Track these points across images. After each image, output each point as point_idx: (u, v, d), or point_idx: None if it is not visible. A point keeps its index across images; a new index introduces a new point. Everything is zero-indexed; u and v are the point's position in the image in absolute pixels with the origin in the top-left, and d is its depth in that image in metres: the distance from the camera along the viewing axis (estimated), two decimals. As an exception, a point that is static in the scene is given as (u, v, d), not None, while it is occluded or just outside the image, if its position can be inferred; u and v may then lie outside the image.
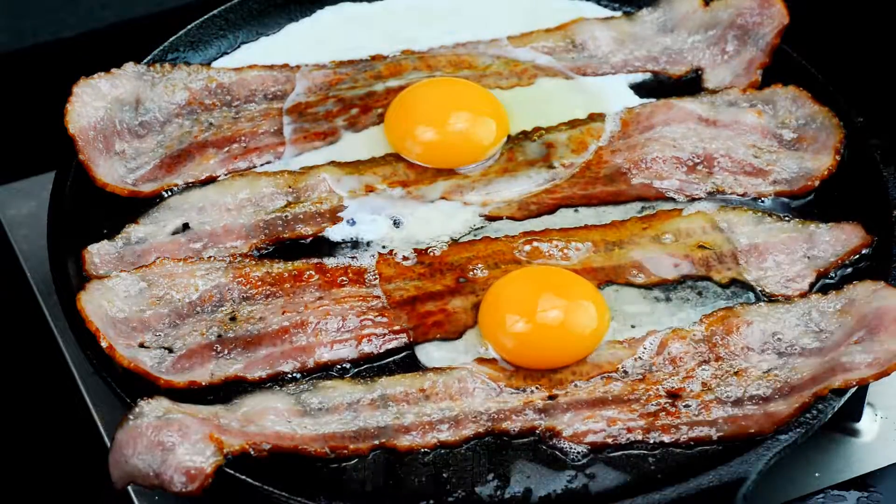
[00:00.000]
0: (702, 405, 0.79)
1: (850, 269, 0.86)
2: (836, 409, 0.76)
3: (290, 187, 0.91)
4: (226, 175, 0.92)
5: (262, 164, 0.93)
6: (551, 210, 0.91)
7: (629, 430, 0.78)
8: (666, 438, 0.77)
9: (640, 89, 0.99)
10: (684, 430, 0.78)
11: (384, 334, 0.83)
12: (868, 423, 0.84)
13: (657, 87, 0.99)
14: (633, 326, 0.83)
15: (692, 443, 0.77)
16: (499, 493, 0.76)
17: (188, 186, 0.91)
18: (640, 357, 0.81)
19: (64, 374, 0.88)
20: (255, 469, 0.74)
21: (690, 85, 0.99)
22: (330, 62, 1.00)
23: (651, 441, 0.78)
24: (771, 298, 0.84)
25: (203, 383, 0.80)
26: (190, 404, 0.77)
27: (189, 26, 1.00)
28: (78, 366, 0.87)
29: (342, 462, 0.77)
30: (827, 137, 0.93)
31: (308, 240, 0.89)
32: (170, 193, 0.91)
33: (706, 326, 0.82)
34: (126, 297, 0.83)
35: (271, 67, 0.98)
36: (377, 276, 0.86)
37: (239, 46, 1.02)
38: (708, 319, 0.83)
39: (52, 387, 0.89)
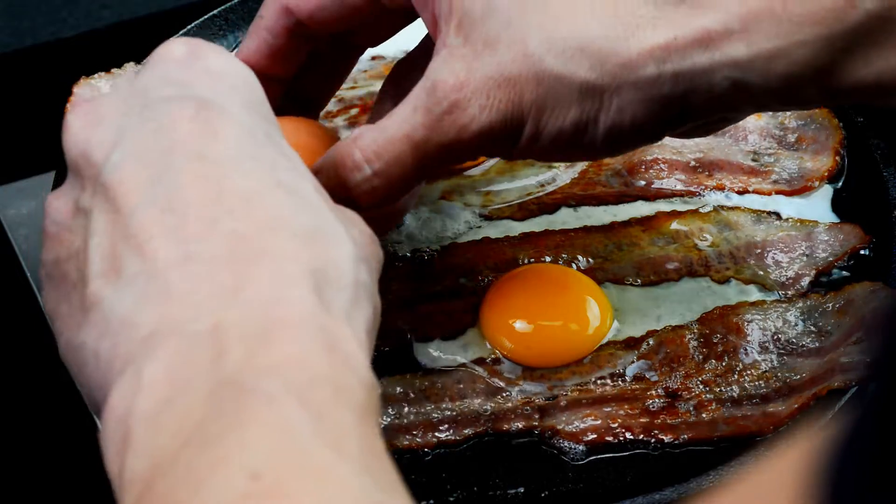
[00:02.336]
0: (701, 405, 0.79)
1: (849, 270, 0.87)
2: (836, 409, 0.77)
3: (290, 187, 0.91)
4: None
5: (262, 165, 0.93)
6: (551, 210, 0.91)
7: (629, 429, 0.78)
8: (666, 438, 0.77)
9: (639, 89, 0.99)
10: (683, 430, 0.78)
11: (384, 335, 0.83)
12: (868, 423, 0.84)
13: (657, 87, 0.99)
14: (632, 326, 0.83)
15: (692, 442, 0.78)
16: (499, 492, 0.76)
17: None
18: (639, 356, 0.81)
19: (64, 375, 0.88)
20: (256, 469, 0.74)
21: (690, 85, 0.99)
22: (330, 62, 1.00)
23: (651, 441, 0.78)
24: (770, 298, 0.85)
25: (203, 383, 0.80)
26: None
27: (189, 26, 1.00)
28: (78, 366, 0.87)
29: (342, 462, 0.77)
30: (827, 138, 0.93)
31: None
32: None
33: (705, 326, 0.82)
34: (126, 298, 0.83)
35: (271, 67, 0.98)
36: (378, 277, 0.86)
37: (239, 45, 1.02)
38: (707, 319, 0.83)
39: (52, 387, 0.89)
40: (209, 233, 0.52)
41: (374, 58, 1.00)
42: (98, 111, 0.60)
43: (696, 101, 0.67)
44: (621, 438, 0.77)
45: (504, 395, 0.80)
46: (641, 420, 0.78)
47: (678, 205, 0.91)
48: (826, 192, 0.91)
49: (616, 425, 0.78)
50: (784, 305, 0.83)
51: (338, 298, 0.54)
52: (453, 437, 0.78)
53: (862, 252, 0.87)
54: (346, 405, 0.50)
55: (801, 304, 0.83)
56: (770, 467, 0.38)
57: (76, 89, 0.94)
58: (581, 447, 0.77)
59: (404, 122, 0.67)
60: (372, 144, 0.68)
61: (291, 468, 0.46)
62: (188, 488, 0.45)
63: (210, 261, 0.52)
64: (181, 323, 0.50)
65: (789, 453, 0.37)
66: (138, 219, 0.53)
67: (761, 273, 0.86)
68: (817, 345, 0.81)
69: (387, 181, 0.68)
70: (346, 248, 0.56)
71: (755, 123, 0.94)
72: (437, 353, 0.82)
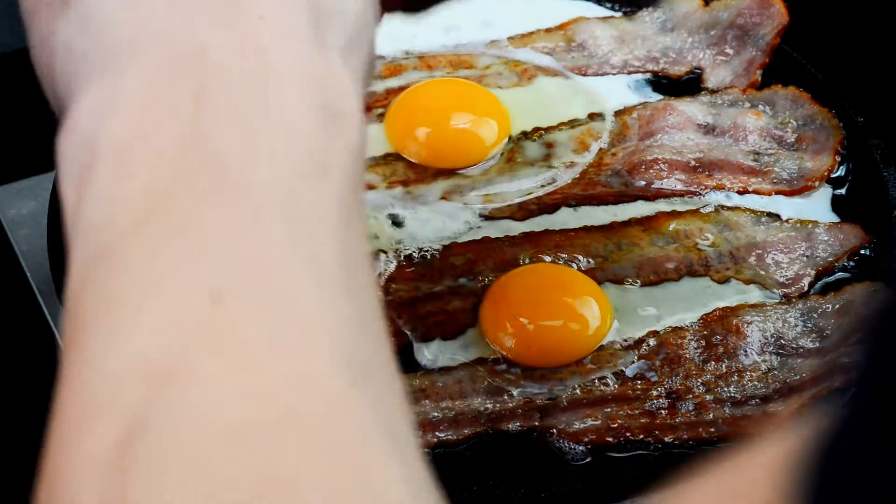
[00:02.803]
0: (701, 405, 0.79)
1: (849, 270, 0.87)
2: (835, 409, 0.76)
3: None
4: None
5: (262, 164, 0.93)
6: (551, 210, 0.91)
7: (629, 429, 0.78)
8: (666, 438, 0.78)
9: (640, 89, 0.99)
10: (684, 430, 0.78)
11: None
12: (868, 424, 0.84)
13: (657, 86, 1.00)
14: (632, 326, 0.83)
15: (692, 443, 0.78)
16: (499, 492, 0.76)
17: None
18: (639, 357, 0.81)
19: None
20: (256, 469, 0.74)
21: (690, 85, 0.99)
22: (330, 62, 1.00)
23: (651, 441, 0.78)
24: (770, 298, 0.85)
25: (203, 383, 0.80)
26: (190, 404, 0.77)
27: (189, 26, 1.00)
28: (78, 366, 0.87)
29: (342, 462, 0.77)
30: (827, 138, 0.93)
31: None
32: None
33: (705, 326, 0.82)
34: (126, 298, 0.83)
35: (271, 67, 0.98)
36: (379, 277, 0.86)
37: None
38: (707, 320, 0.83)
39: (52, 387, 0.89)
40: None
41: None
42: None
43: None
44: (621, 439, 0.78)
45: (504, 395, 0.80)
46: (642, 420, 0.78)
47: (678, 205, 0.91)
48: (826, 192, 0.91)
49: (616, 426, 0.78)
50: (784, 306, 0.83)
51: (336, 35, 0.49)
52: (453, 437, 0.78)
53: (862, 252, 0.87)
54: (331, 197, 0.45)
55: (801, 305, 0.83)
56: (749, 461, 0.37)
57: (76, 89, 0.95)
58: (581, 447, 0.77)
59: None
60: None
61: (257, 298, 0.41)
62: (145, 286, 0.42)
63: None
64: (168, 35, 0.45)
65: (767, 449, 0.36)
66: None
67: (762, 273, 0.86)
68: (817, 345, 0.81)
69: None
70: None
71: (755, 123, 0.94)
72: (437, 353, 0.82)
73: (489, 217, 0.90)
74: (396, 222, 0.90)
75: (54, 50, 0.50)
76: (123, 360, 0.41)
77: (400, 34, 1.02)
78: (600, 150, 0.94)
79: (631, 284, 0.86)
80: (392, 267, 0.86)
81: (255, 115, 0.45)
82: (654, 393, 0.79)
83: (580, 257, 0.87)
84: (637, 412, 0.78)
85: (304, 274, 0.43)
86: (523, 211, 0.91)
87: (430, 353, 0.82)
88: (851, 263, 0.87)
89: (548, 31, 1.02)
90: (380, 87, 0.98)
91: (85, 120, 0.45)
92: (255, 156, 0.44)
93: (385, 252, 0.87)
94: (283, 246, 0.43)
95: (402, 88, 0.97)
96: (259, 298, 0.42)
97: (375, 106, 0.96)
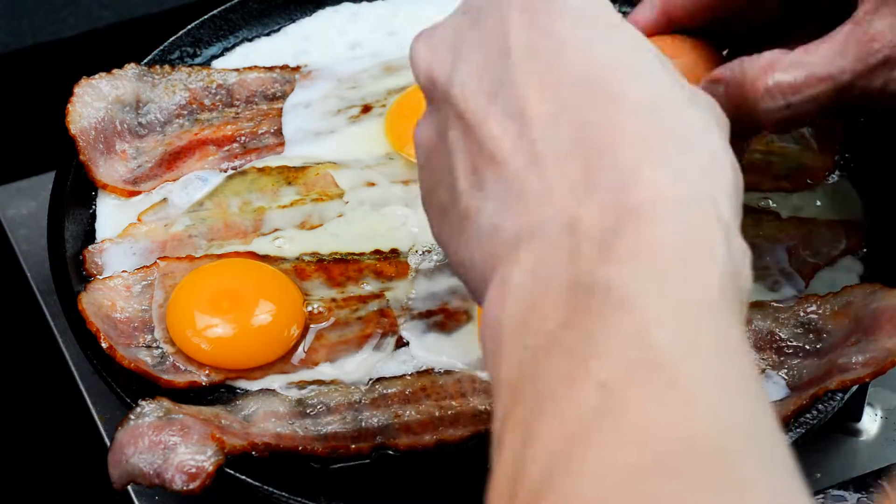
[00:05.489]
0: (701, 405, 0.78)
1: (848, 269, 0.87)
2: (835, 409, 0.76)
3: (289, 184, 0.91)
4: (226, 172, 0.92)
5: (262, 163, 0.93)
6: (551, 210, 0.91)
7: (629, 429, 0.78)
8: (666, 438, 0.77)
9: (639, 89, 0.99)
10: (684, 430, 0.78)
11: (385, 334, 0.83)
12: (868, 423, 0.84)
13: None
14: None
15: (692, 442, 0.77)
16: (499, 492, 0.76)
17: (189, 183, 0.92)
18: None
19: (64, 374, 0.88)
20: (255, 469, 0.75)
21: (690, 85, 0.99)
22: (329, 62, 1.00)
23: (651, 441, 0.78)
24: (769, 297, 0.84)
25: (203, 383, 0.80)
26: (191, 405, 0.77)
27: (189, 26, 1.00)
28: (78, 366, 0.87)
29: (342, 462, 0.77)
30: (826, 137, 0.93)
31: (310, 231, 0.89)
32: (170, 192, 0.91)
33: (706, 326, 0.82)
34: (127, 297, 0.83)
35: (271, 69, 0.98)
36: (379, 276, 0.86)
37: (239, 45, 1.02)
38: (708, 319, 0.83)
39: (52, 387, 0.89)
40: (552, 129, 0.54)
41: (373, 58, 1.00)
42: (434, 33, 0.62)
43: None
44: (621, 438, 0.77)
45: (504, 394, 0.80)
46: (641, 420, 0.78)
47: (678, 205, 0.90)
48: (826, 190, 0.91)
49: (616, 425, 0.78)
50: (783, 305, 0.83)
51: (692, 168, 0.53)
52: (453, 437, 0.78)
53: (861, 251, 0.87)
54: (701, 289, 0.49)
55: (799, 305, 0.83)
56: None
57: (76, 89, 0.95)
58: (581, 447, 0.77)
59: (829, 63, 0.69)
60: (789, 78, 0.69)
61: (639, 379, 0.46)
62: (546, 399, 0.48)
63: (556, 157, 0.53)
64: (539, 224, 0.52)
65: None
66: (486, 132, 0.56)
67: (760, 272, 0.86)
68: (815, 346, 0.81)
69: (797, 115, 0.70)
70: (693, 113, 0.55)
71: (755, 123, 0.94)
72: (437, 353, 0.82)
73: (489, 217, 0.90)
74: (397, 222, 0.90)
75: (463, 269, 0.59)
76: None
77: (400, 33, 1.02)
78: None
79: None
80: (394, 266, 0.86)
81: (621, 246, 0.50)
82: (654, 393, 0.79)
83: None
84: (637, 412, 0.78)
85: (685, 365, 0.47)
86: (523, 211, 0.90)
87: (430, 352, 0.82)
88: (851, 263, 0.87)
89: (548, 31, 1.02)
90: (380, 87, 0.98)
91: (490, 313, 0.53)
92: (625, 272, 0.49)
93: (385, 251, 0.87)
94: (660, 341, 0.47)
95: (402, 88, 0.97)
96: (642, 384, 0.46)
97: (375, 106, 0.96)
